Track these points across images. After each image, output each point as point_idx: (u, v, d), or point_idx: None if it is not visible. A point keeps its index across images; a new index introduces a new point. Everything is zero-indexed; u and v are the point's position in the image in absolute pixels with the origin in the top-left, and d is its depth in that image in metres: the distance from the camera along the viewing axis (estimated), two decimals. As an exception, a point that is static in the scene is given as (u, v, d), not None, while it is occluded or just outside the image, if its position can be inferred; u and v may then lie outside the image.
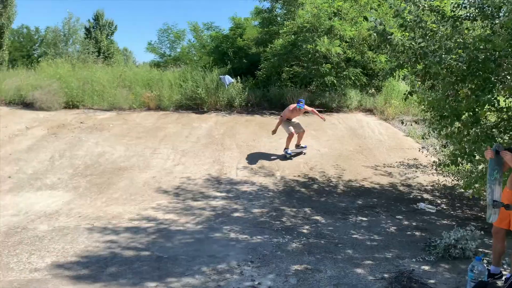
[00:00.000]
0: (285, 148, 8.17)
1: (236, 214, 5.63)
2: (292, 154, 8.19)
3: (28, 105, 11.07)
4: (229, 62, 12.99)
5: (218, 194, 6.41)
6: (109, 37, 31.31)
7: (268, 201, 6.16)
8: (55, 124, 9.66)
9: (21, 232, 4.82)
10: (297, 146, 8.45)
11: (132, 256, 4.26)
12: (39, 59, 21.11)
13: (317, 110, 8.74)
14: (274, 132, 8.23)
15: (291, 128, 8.05)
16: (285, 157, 8.09)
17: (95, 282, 3.69)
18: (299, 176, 7.37)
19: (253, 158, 8.10)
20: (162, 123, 10.18)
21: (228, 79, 11.60)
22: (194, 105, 11.45)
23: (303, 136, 8.44)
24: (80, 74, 12.22)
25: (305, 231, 5.12)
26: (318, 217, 5.62)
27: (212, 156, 8.14)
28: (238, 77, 11.76)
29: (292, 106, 8.17)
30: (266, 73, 12.31)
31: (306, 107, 8.18)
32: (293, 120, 8.26)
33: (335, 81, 11.42)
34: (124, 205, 5.82)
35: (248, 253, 4.41)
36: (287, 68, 11.90)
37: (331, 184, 7.06)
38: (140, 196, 6.22)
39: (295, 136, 8.23)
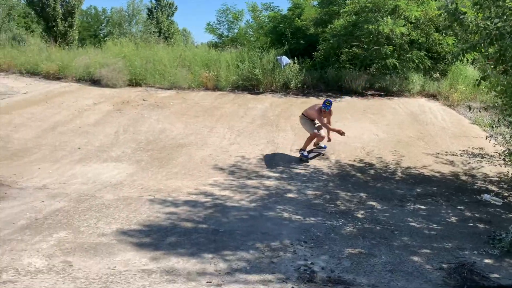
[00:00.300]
0: (301, 149, 7.17)
1: (289, 195, 5.67)
2: (310, 156, 7.19)
3: (95, 82, 11.75)
4: (286, 43, 12.86)
5: (272, 174, 6.47)
6: (169, 18, 32.11)
7: (322, 184, 6.12)
8: (119, 101, 10.19)
9: (90, 199, 5.20)
10: (316, 145, 7.47)
11: (190, 228, 4.46)
12: (105, 38, 22.20)
13: (377, 94, 8.36)
14: (328, 130, 7.12)
15: (314, 129, 7.11)
16: (300, 160, 7.11)
17: (156, 250, 3.91)
18: (354, 160, 7.23)
19: (308, 140, 8.05)
20: (219, 103, 10.38)
21: (284, 60, 11.52)
22: (250, 85, 11.52)
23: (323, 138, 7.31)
24: (143, 53, 12.73)
25: (360, 215, 5.05)
26: (373, 203, 5.51)
27: (267, 137, 8.19)
28: (295, 58, 11.63)
29: (317, 106, 7.10)
30: (324, 54, 12.07)
31: (331, 109, 7.04)
32: (316, 121, 7.26)
33: (397, 63, 10.94)
34: (182, 180, 6.06)
35: (301, 233, 4.45)
36: (346, 50, 11.57)
37: (388, 170, 6.86)
38: (197, 172, 6.44)
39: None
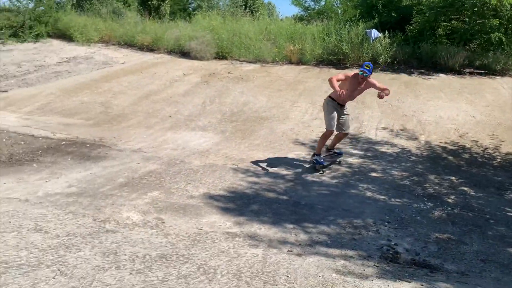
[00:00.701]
0: (314, 154, 5.58)
1: (373, 174, 5.49)
2: (325, 163, 5.55)
3: (185, 54, 12.27)
4: (376, 15, 12.16)
5: (355, 152, 6.30)
6: (255, -9, 32.03)
7: (409, 165, 5.83)
8: (207, 73, 10.56)
9: (180, 164, 5.53)
10: (329, 150, 5.86)
11: (272, 197, 4.55)
12: (194, 12, 22.92)
13: (476, 72, 7.53)
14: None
15: (333, 123, 5.34)
16: (314, 168, 5.51)
17: (240, 215, 4.07)
18: (446, 142, 6.74)
19: (395, 119, 7.67)
20: (302, 77, 10.26)
21: (374, 33, 10.93)
22: (335, 60, 11.18)
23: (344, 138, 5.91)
24: (230, 27, 12.92)
25: (450, 200, 4.74)
26: (466, 188, 5.13)
27: (351, 113, 7.86)
28: (386, 32, 10.98)
29: (351, 73, 5.36)
30: (418, 28, 11.23)
31: (370, 77, 5.26)
32: (346, 106, 5.57)
33: (503, 38, 9.82)
34: (264, 152, 6.16)
35: (385, 213, 4.31)
36: (444, 23, 10.63)
37: (485, 155, 6.29)
38: (278, 145, 6.50)
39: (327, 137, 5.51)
